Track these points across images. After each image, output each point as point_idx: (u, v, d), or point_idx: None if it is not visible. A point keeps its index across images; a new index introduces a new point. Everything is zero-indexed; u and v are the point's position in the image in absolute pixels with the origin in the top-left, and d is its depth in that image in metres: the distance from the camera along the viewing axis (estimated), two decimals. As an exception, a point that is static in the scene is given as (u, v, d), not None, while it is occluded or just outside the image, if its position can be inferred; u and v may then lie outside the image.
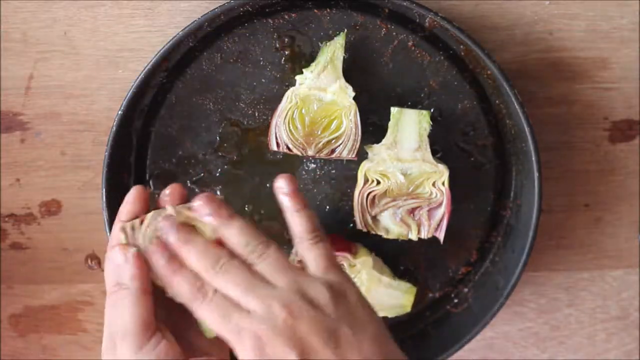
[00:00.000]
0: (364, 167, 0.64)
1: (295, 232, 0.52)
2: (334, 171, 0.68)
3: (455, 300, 0.71)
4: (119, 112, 0.64)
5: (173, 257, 0.51)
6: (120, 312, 0.50)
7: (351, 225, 0.68)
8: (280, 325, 0.47)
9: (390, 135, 0.65)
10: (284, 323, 0.47)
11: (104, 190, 0.65)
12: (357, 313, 0.50)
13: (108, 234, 0.66)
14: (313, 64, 0.64)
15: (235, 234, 0.51)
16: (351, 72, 0.66)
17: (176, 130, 0.68)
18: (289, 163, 0.68)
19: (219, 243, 0.51)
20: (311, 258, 0.52)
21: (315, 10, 0.66)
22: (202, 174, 0.68)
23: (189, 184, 0.68)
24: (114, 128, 0.65)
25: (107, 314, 0.51)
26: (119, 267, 0.51)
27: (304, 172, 0.68)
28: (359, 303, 0.51)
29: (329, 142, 0.64)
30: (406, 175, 0.64)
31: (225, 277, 0.50)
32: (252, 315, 0.48)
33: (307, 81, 0.64)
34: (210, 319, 0.49)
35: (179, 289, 0.50)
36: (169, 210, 0.52)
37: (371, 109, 0.67)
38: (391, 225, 0.65)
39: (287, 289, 0.49)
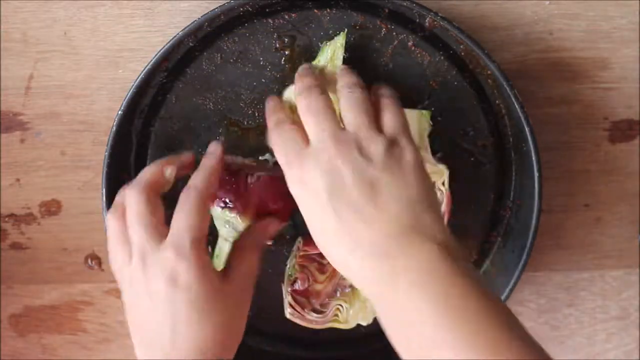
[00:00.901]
0: None
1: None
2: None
3: (455, 300, 0.71)
4: (119, 112, 0.64)
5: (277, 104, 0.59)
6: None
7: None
8: (324, 163, 0.51)
9: None
10: (329, 162, 0.51)
11: (104, 190, 0.65)
12: (408, 173, 0.51)
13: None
14: (313, 63, 0.64)
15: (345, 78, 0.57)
16: (351, 72, 0.66)
17: (176, 130, 0.68)
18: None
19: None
20: (387, 115, 0.54)
21: (315, 10, 0.66)
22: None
23: (189, 184, 0.68)
24: (114, 128, 0.65)
25: None
26: None
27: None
28: (412, 166, 0.51)
29: None
30: None
31: (307, 100, 0.54)
32: (308, 148, 0.52)
33: None
34: (276, 144, 0.54)
35: (271, 120, 0.57)
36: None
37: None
38: None
39: (350, 131, 0.52)
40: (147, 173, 0.57)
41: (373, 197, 0.49)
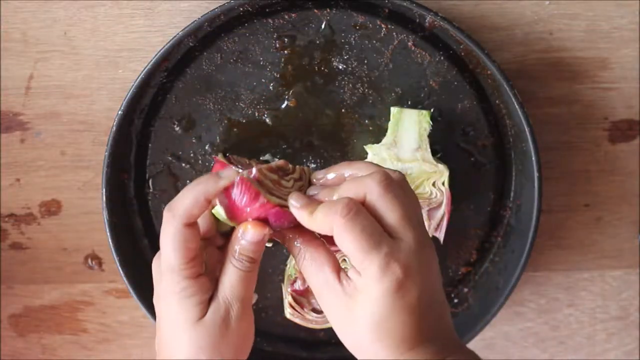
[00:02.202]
0: None
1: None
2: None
3: (455, 300, 0.71)
4: (119, 112, 0.64)
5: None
6: None
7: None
8: (413, 250, 0.49)
9: (390, 135, 0.65)
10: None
11: (104, 190, 0.65)
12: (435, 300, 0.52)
13: (108, 234, 0.66)
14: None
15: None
16: (351, 72, 0.66)
17: (176, 130, 0.68)
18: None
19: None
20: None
21: (315, 10, 0.66)
22: (203, 174, 0.68)
23: (189, 184, 0.68)
24: (114, 128, 0.65)
25: None
26: None
27: (304, 172, 0.68)
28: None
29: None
30: (406, 175, 0.64)
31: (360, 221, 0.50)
32: (396, 239, 0.50)
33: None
34: (352, 231, 0.48)
35: (330, 206, 0.50)
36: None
37: (371, 109, 0.67)
38: None
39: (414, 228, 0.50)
40: (187, 201, 0.52)
41: (441, 295, 0.52)
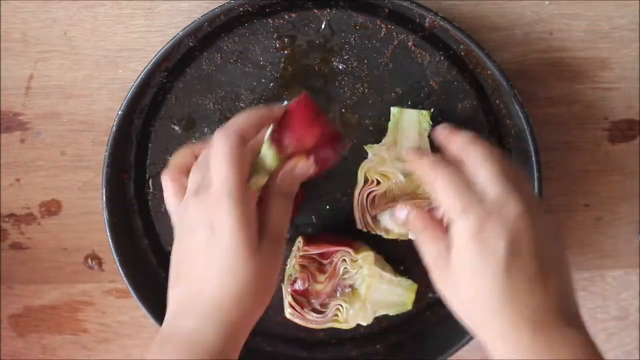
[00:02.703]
0: (364, 167, 0.64)
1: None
2: (334, 171, 0.68)
3: (455, 300, 0.71)
4: (119, 112, 0.64)
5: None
6: None
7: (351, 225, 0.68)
8: (511, 219, 0.51)
9: (390, 135, 0.65)
10: (516, 219, 0.50)
11: (104, 190, 0.65)
12: (561, 257, 0.53)
13: (108, 234, 0.66)
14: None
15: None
16: (351, 72, 0.66)
17: (176, 130, 0.68)
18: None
19: None
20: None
21: (315, 10, 0.66)
22: (202, 174, 0.68)
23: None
24: (114, 128, 0.65)
25: None
26: None
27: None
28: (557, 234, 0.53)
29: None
30: (406, 175, 0.64)
31: (482, 159, 0.53)
32: (486, 200, 0.51)
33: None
34: (447, 185, 0.53)
35: (428, 161, 0.55)
36: None
37: (371, 109, 0.67)
38: (391, 225, 0.65)
39: (526, 193, 0.52)
40: (240, 122, 0.54)
41: (543, 271, 0.51)
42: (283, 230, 0.56)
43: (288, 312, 0.65)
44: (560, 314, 0.51)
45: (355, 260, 0.65)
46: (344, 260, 0.65)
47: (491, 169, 0.53)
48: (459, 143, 0.55)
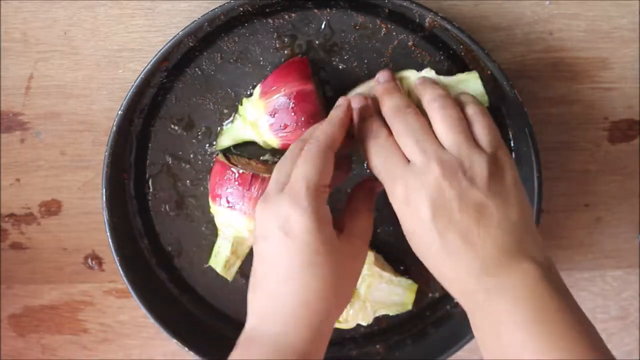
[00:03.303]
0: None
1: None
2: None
3: (456, 300, 0.71)
4: (119, 112, 0.64)
5: (367, 106, 0.58)
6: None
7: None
8: (431, 184, 0.52)
9: None
10: (435, 183, 0.51)
11: (104, 190, 0.65)
12: (509, 192, 0.53)
13: (108, 234, 0.66)
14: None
15: (428, 93, 0.57)
16: (351, 72, 0.66)
17: (176, 130, 0.68)
18: (289, 163, 0.68)
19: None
20: (480, 128, 0.55)
21: (315, 10, 0.66)
22: (203, 174, 0.68)
23: (188, 184, 0.68)
24: (114, 128, 0.65)
25: None
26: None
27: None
28: (513, 186, 0.53)
29: None
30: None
31: (403, 122, 0.55)
32: (411, 166, 0.53)
33: None
34: (374, 157, 0.55)
35: (362, 129, 0.57)
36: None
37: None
38: None
39: (452, 152, 0.53)
40: (325, 128, 0.56)
41: (478, 221, 0.51)
42: (365, 233, 0.57)
43: None
44: (505, 255, 0.51)
45: None
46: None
47: (410, 129, 0.54)
48: (386, 107, 0.57)
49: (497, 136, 0.56)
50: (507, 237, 0.51)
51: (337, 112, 0.58)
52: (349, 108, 0.58)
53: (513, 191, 0.53)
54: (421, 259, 0.54)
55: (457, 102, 0.57)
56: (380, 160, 0.55)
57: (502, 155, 0.55)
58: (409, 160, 0.54)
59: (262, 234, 0.53)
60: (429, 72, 0.62)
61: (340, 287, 0.54)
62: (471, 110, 0.56)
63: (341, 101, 0.59)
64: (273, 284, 0.53)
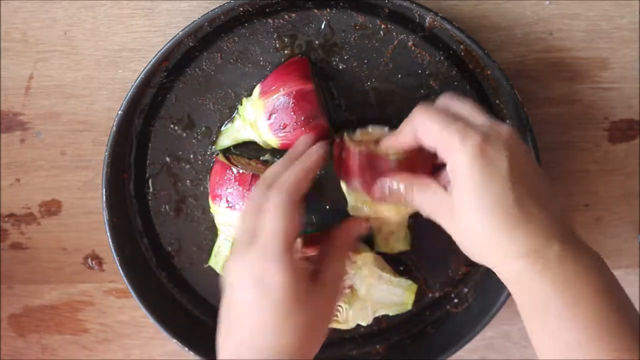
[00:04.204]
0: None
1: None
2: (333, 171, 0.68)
3: (455, 300, 0.71)
4: (119, 112, 0.64)
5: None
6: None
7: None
8: (508, 138, 0.52)
9: None
10: (512, 138, 0.53)
11: (104, 190, 0.65)
12: (531, 176, 0.53)
13: (108, 234, 0.66)
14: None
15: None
16: (351, 72, 0.66)
17: (176, 131, 0.68)
18: (289, 163, 0.68)
19: None
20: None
21: (315, 10, 0.66)
22: (203, 174, 0.68)
23: (188, 184, 0.68)
24: (114, 128, 0.65)
25: None
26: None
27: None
28: (531, 165, 0.54)
29: None
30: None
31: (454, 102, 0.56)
32: (479, 126, 0.53)
33: None
34: (436, 119, 0.53)
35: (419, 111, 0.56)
36: None
37: (370, 109, 0.67)
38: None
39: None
40: (292, 177, 0.56)
41: (546, 186, 0.53)
42: (339, 278, 0.58)
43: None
44: (567, 229, 0.52)
45: (355, 262, 0.65)
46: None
47: (470, 105, 0.55)
48: (443, 102, 0.57)
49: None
50: (564, 217, 0.53)
51: (307, 159, 0.58)
52: (321, 158, 0.59)
53: (532, 169, 0.55)
54: (476, 219, 0.52)
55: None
56: (443, 120, 0.53)
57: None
58: None
59: (236, 287, 0.54)
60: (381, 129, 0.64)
61: (315, 334, 0.55)
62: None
63: (315, 149, 0.60)
64: (248, 334, 0.53)
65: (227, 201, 0.63)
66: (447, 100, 0.57)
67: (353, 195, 0.63)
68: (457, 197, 0.52)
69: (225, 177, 0.63)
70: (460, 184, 0.52)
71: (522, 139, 0.65)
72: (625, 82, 0.70)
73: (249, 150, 0.68)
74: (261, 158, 0.68)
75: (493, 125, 0.53)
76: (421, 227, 0.69)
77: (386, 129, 0.63)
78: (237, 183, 0.62)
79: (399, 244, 0.66)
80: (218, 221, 0.65)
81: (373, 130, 0.64)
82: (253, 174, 0.62)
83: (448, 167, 0.53)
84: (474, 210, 0.51)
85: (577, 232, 0.53)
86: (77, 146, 0.71)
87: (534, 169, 0.53)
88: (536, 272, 0.51)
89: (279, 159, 0.67)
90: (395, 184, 0.58)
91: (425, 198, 0.56)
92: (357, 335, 0.71)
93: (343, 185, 0.64)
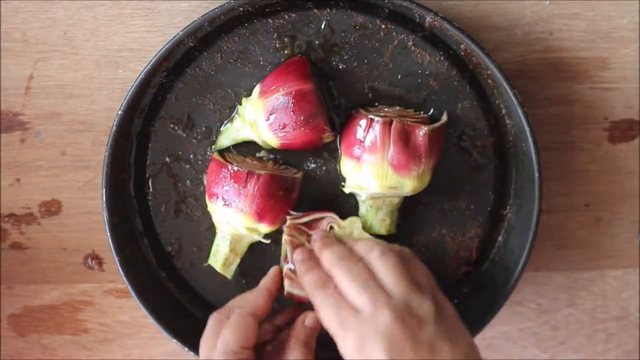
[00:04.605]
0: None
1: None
2: (333, 171, 0.68)
3: (455, 300, 0.71)
4: (119, 112, 0.64)
5: (310, 257, 0.61)
6: None
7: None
8: (383, 329, 0.53)
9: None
10: (387, 328, 0.53)
11: (104, 190, 0.65)
12: (454, 329, 0.55)
13: (108, 234, 0.66)
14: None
15: (363, 244, 0.59)
16: (351, 72, 0.66)
17: (176, 130, 0.68)
18: (288, 163, 0.68)
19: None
20: (418, 274, 0.58)
21: (315, 10, 0.66)
22: (203, 174, 0.68)
23: (188, 184, 0.68)
24: (114, 128, 0.65)
25: None
26: None
27: (304, 172, 0.68)
28: (455, 319, 0.56)
29: None
30: None
31: (346, 271, 0.57)
32: (360, 315, 0.54)
33: None
34: (324, 310, 0.56)
35: (308, 280, 0.59)
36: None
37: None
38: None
39: (398, 297, 0.54)
40: (255, 301, 0.62)
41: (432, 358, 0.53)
42: None
43: (287, 284, 0.64)
44: None
45: (343, 227, 0.65)
46: (332, 227, 0.65)
47: (356, 278, 0.56)
48: (327, 259, 0.59)
49: (432, 278, 0.58)
50: None
51: (264, 280, 0.64)
52: (277, 275, 0.64)
53: (458, 329, 0.55)
54: None
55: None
56: (329, 311, 0.56)
57: (439, 295, 0.57)
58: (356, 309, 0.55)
59: None
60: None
61: None
62: (409, 257, 0.60)
63: (272, 272, 0.65)
64: None
65: (224, 199, 0.63)
66: (340, 274, 0.58)
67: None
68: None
69: (221, 175, 0.63)
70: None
71: (522, 139, 0.66)
72: (625, 82, 0.70)
73: (248, 150, 0.68)
74: (257, 155, 0.68)
75: (373, 312, 0.54)
76: (421, 226, 0.69)
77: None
78: (232, 180, 0.63)
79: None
80: (215, 219, 0.65)
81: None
82: (248, 171, 0.63)
83: (337, 344, 0.55)
84: None
85: None
86: (77, 146, 0.71)
87: (421, 340, 0.53)
88: None
89: (273, 156, 0.67)
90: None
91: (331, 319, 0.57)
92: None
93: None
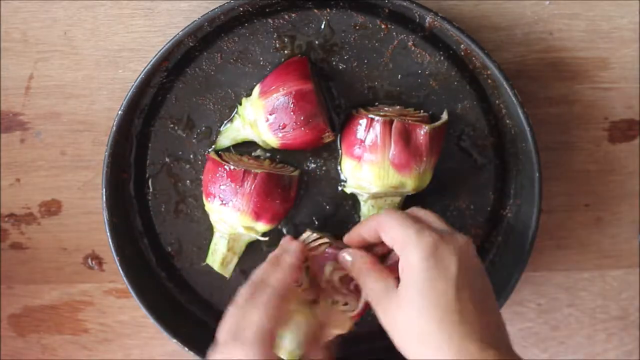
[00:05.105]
0: None
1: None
2: (333, 171, 0.68)
3: (455, 300, 0.71)
4: (119, 112, 0.64)
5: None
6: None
7: (350, 225, 0.68)
8: (461, 244, 0.54)
9: None
10: (464, 244, 0.55)
11: (104, 190, 0.65)
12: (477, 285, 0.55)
13: (108, 234, 0.66)
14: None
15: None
16: (351, 72, 0.66)
17: (176, 131, 0.68)
18: (288, 163, 0.68)
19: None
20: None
21: (315, 10, 0.66)
22: (202, 174, 0.68)
23: (188, 184, 0.68)
24: (114, 128, 0.65)
25: None
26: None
27: (304, 172, 0.68)
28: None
29: None
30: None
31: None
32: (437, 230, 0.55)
33: None
34: (398, 221, 0.55)
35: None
36: None
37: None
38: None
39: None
40: (279, 277, 0.58)
41: (492, 300, 0.55)
42: None
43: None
44: (505, 343, 0.54)
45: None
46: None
47: (435, 215, 0.58)
48: (411, 210, 0.59)
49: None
50: (505, 332, 0.55)
51: (288, 256, 0.59)
52: (301, 252, 0.60)
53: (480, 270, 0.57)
54: (417, 314, 0.53)
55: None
56: (407, 219, 0.56)
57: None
58: None
59: None
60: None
61: None
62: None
63: (288, 244, 0.61)
64: None
65: (220, 198, 0.63)
66: (415, 209, 0.59)
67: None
68: (402, 291, 0.54)
69: (218, 175, 0.63)
70: (408, 279, 0.53)
71: (522, 139, 0.66)
72: (625, 82, 0.70)
73: (248, 150, 0.68)
74: (253, 154, 0.68)
75: (452, 232, 0.55)
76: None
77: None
78: (229, 180, 0.63)
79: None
80: (213, 219, 0.65)
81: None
82: (245, 169, 0.63)
83: (400, 264, 0.54)
84: (416, 305, 0.53)
85: (513, 349, 0.54)
86: (77, 146, 0.71)
87: (482, 280, 0.55)
88: None
89: (270, 154, 0.67)
90: (350, 256, 0.60)
91: (377, 287, 0.56)
92: (358, 335, 0.71)
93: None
